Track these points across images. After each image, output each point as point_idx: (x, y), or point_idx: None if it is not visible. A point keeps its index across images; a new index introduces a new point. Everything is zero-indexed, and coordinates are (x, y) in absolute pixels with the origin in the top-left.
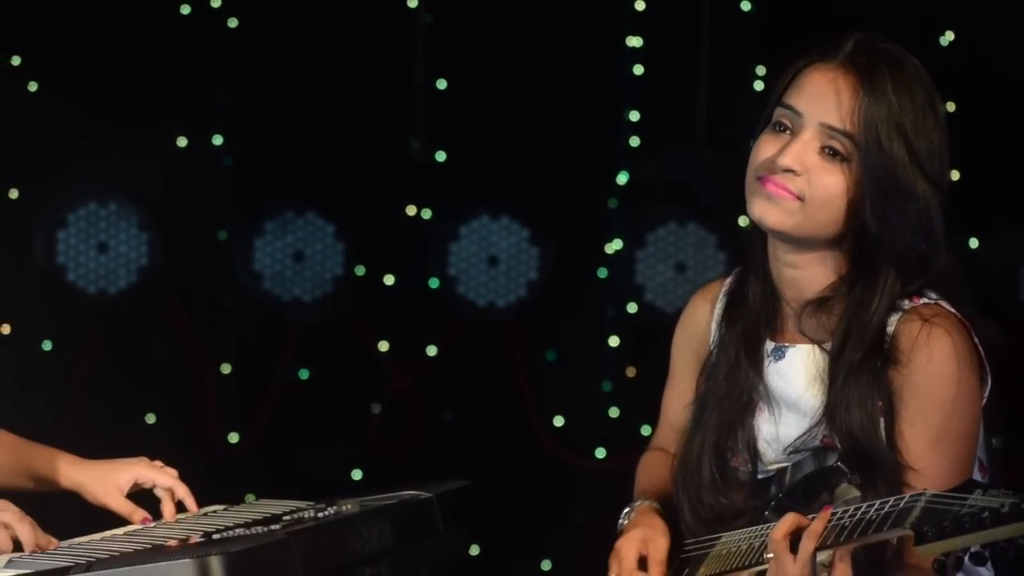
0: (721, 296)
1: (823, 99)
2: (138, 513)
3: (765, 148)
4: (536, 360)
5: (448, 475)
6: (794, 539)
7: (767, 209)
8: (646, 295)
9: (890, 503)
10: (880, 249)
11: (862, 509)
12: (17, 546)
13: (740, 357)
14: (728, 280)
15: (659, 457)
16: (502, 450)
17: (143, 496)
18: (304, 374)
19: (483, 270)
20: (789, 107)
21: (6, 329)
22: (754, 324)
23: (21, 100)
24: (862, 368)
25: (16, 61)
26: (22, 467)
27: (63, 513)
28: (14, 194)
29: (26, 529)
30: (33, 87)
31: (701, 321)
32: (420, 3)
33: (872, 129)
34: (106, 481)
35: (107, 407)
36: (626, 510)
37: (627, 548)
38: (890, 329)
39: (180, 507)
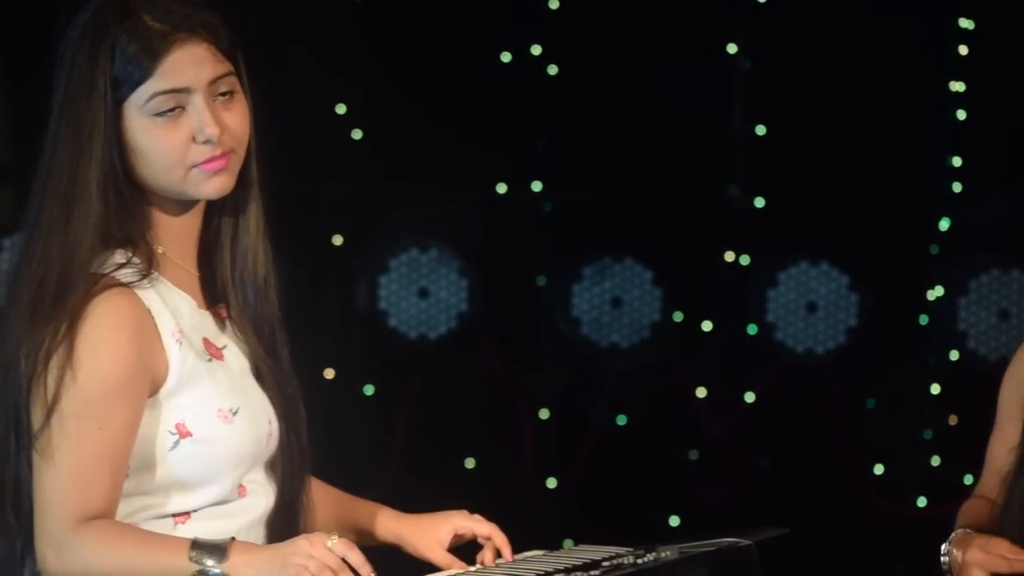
0: None
1: None
2: (457, 565)
3: None
4: (856, 407)
5: (765, 523)
6: None
7: None
8: (969, 342)
9: None
10: None
11: None
12: None
13: None
14: None
15: (981, 503)
16: (820, 498)
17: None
18: (622, 420)
19: (802, 316)
20: None
21: (330, 374)
22: None
23: (345, 148)
24: None
25: (341, 110)
26: (346, 520)
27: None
28: (338, 240)
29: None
30: (357, 135)
31: None
32: (739, 48)
33: None
34: (427, 534)
35: (427, 451)
36: (944, 545)
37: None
38: None
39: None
